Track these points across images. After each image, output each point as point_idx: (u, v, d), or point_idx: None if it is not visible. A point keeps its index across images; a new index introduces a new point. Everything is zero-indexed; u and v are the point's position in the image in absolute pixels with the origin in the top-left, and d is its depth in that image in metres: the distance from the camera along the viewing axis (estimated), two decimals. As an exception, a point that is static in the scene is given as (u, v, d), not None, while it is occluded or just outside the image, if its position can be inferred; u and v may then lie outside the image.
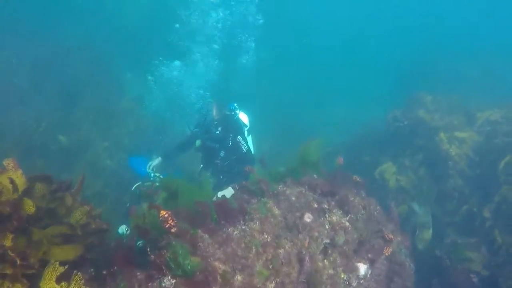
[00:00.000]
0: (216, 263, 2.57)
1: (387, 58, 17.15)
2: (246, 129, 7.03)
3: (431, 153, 7.72)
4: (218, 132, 6.47)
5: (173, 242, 2.50)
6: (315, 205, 3.57)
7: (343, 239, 3.56)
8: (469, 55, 13.30)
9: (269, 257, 2.79)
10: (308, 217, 3.39)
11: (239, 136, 6.54)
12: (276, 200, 3.52)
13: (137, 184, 6.78)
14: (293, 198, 3.55)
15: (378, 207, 4.47)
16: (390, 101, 12.34)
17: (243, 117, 7.01)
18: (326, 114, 13.68)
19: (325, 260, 3.32)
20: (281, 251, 2.86)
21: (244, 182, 3.84)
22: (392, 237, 4.16)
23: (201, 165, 7.07)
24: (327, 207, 3.61)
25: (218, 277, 2.52)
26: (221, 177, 6.84)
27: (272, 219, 3.07)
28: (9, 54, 9.78)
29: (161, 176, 6.81)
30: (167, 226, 2.64)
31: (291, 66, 18.26)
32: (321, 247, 3.34)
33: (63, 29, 12.08)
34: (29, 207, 2.61)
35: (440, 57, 13.85)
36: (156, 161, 6.84)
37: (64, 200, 2.92)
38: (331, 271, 3.23)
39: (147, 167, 6.81)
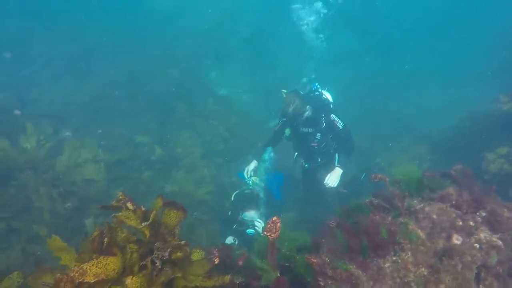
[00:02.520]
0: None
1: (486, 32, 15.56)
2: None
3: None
4: (309, 115, 6.15)
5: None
6: (460, 223, 3.20)
7: (496, 259, 3.16)
8: None
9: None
10: (456, 239, 3.04)
11: (332, 114, 6.27)
12: (415, 218, 3.21)
13: (236, 193, 6.73)
14: (434, 216, 3.21)
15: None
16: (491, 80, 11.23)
17: (327, 95, 6.76)
18: (419, 96, 12.70)
19: (480, 286, 2.97)
20: (442, 286, 2.57)
21: (372, 200, 3.53)
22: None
23: (295, 153, 6.92)
24: (473, 224, 3.22)
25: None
26: (319, 159, 6.69)
27: (422, 247, 2.78)
28: (107, 68, 10.42)
29: (261, 183, 6.74)
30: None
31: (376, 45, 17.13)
32: (475, 272, 2.99)
33: (149, 40, 12.61)
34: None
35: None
36: (252, 165, 6.71)
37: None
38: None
39: (244, 173, 6.73)
